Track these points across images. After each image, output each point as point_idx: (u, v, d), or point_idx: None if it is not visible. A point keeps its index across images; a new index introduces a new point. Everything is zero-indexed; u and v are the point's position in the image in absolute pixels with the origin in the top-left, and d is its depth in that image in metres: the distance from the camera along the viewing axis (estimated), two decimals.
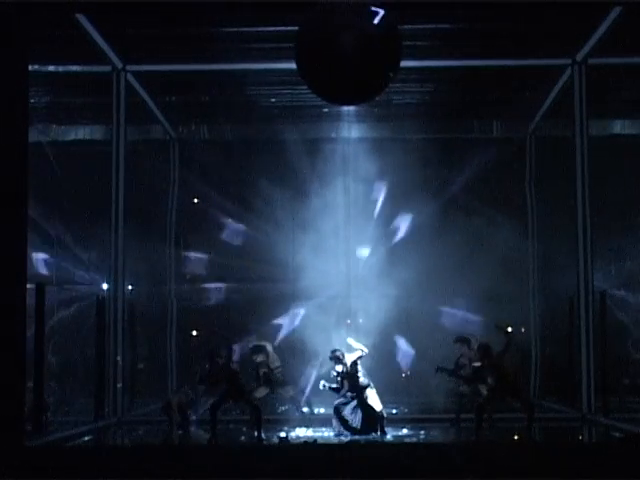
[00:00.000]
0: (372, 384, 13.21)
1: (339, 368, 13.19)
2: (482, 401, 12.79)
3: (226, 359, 12.90)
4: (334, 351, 13.36)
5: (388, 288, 16.94)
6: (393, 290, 16.98)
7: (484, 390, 13.17)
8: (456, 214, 17.38)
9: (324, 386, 13.34)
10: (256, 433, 12.57)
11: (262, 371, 13.97)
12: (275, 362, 14.33)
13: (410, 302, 17.15)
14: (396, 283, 16.88)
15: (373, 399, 13.07)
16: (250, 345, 14.39)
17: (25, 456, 10.03)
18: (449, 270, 17.11)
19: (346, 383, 13.18)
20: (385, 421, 13.11)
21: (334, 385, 13.31)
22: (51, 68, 14.38)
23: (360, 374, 13.13)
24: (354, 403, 13.03)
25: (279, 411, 15.33)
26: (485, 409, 12.66)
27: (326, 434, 13.28)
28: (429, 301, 17.17)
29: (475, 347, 13.67)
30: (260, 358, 14.02)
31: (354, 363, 13.13)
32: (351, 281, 17.09)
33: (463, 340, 14.45)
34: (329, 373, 13.51)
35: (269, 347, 14.52)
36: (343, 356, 13.24)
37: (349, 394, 13.10)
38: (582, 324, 15.29)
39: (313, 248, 17.28)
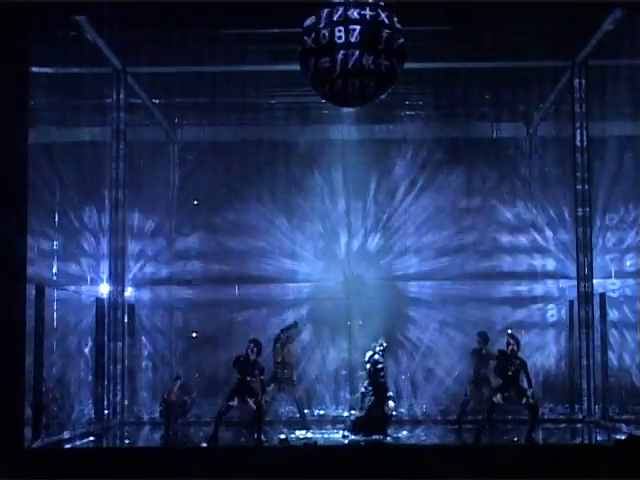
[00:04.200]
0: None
1: (377, 357, 13.23)
2: (494, 401, 12.67)
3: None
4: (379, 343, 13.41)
5: (389, 289, 16.96)
6: (394, 291, 17.01)
7: (487, 391, 13.17)
8: (457, 214, 17.35)
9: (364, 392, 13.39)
10: (255, 435, 12.56)
11: (281, 368, 13.94)
12: (293, 358, 14.28)
13: (412, 303, 17.14)
14: (397, 283, 16.91)
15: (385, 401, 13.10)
16: (282, 329, 14.32)
17: (25, 458, 10.03)
18: (449, 270, 17.09)
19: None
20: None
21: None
22: (51, 70, 14.37)
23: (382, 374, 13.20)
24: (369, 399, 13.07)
25: (279, 412, 15.30)
26: (495, 409, 12.57)
27: (326, 435, 13.28)
28: (431, 303, 17.14)
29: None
30: (282, 357, 14.02)
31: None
32: (351, 282, 17.05)
33: (482, 335, 14.39)
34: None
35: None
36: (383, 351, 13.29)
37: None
38: (582, 325, 15.31)
39: (313, 249, 17.29)
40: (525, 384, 12.48)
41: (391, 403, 13.07)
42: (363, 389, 13.22)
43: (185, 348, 17.04)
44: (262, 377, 12.75)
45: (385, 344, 13.33)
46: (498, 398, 12.46)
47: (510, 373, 12.40)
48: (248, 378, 12.57)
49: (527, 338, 16.85)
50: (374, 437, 12.71)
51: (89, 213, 16.55)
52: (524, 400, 12.36)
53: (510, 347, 12.59)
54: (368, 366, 13.19)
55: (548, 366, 16.95)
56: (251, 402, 12.57)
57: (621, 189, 16.33)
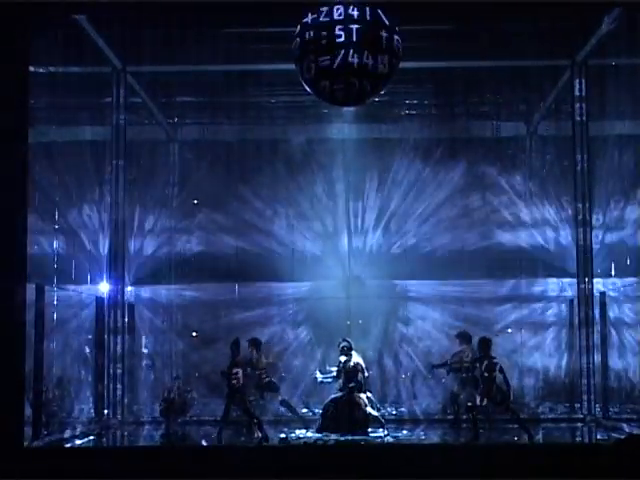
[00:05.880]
0: (365, 387, 13.21)
1: (342, 359, 13.20)
2: (473, 401, 12.79)
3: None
4: (344, 340, 13.37)
5: (388, 289, 16.96)
6: (394, 291, 17.02)
7: (476, 393, 13.20)
8: (457, 213, 17.36)
9: (322, 381, 13.37)
10: (258, 434, 12.60)
11: (262, 376, 13.92)
12: (263, 362, 14.25)
13: (411, 303, 17.15)
14: (396, 283, 16.92)
15: (363, 401, 13.06)
16: (249, 339, 14.30)
17: (25, 457, 10.03)
18: (448, 269, 17.09)
19: (342, 377, 13.16)
20: (375, 423, 13.08)
21: (329, 378, 13.32)
22: (51, 69, 14.39)
23: (358, 376, 13.12)
24: (342, 401, 13.04)
25: (280, 412, 15.30)
26: (476, 409, 12.66)
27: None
28: (431, 302, 17.15)
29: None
30: (257, 358, 13.98)
31: (357, 364, 13.14)
32: (350, 282, 17.07)
33: (464, 336, 14.38)
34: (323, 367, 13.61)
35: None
36: (350, 349, 13.23)
37: (340, 393, 13.12)
38: (582, 325, 15.32)
39: (312, 249, 17.29)
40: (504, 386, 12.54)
41: (364, 396, 13.06)
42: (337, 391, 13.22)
43: (185, 347, 17.03)
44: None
45: (346, 342, 13.35)
46: (476, 399, 12.62)
47: (486, 374, 12.49)
48: (232, 382, 12.64)
49: (527, 337, 16.91)
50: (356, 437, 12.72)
51: (89, 212, 16.55)
52: (500, 401, 12.44)
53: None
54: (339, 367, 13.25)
55: (548, 365, 16.97)
56: (239, 407, 12.66)
57: (621, 188, 16.32)
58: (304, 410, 14.82)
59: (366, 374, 13.26)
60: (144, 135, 17.44)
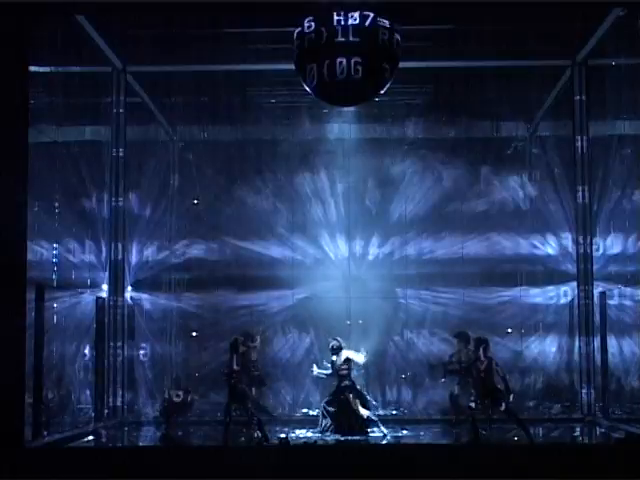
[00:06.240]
0: (358, 385, 13.27)
1: (333, 358, 13.28)
2: (472, 402, 12.82)
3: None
4: (333, 339, 13.42)
5: (388, 289, 16.95)
6: (393, 291, 17.01)
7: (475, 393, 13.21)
8: (456, 214, 17.34)
9: (318, 375, 13.47)
10: (258, 434, 12.61)
11: (254, 370, 13.97)
12: (253, 356, 14.29)
13: (411, 302, 17.14)
14: (396, 283, 16.90)
15: (358, 400, 13.10)
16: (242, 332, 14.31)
17: (25, 457, 10.03)
18: (448, 270, 17.08)
19: (336, 377, 13.24)
20: (370, 422, 13.11)
21: (323, 375, 13.41)
22: (51, 69, 14.39)
23: (351, 375, 13.19)
24: (336, 401, 13.11)
25: (278, 412, 15.31)
26: (475, 409, 12.68)
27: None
28: (430, 302, 17.14)
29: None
30: (247, 351, 14.03)
31: (347, 360, 13.21)
32: (350, 281, 17.07)
33: (462, 336, 14.40)
34: (321, 363, 13.68)
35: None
36: (339, 348, 13.30)
37: (335, 394, 13.19)
38: (582, 325, 15.32)
39: (312, 249, 17.28)
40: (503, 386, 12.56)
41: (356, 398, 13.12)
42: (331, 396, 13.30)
43: (185, 348, 17.02)
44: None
45: (336, 341, 13.41)
46: (476, 400, 12.67)
47: (485, 375, 12.51)
48: (232, 381, 12.66)
49: (528, 338, 16.90)
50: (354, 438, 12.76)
51: (89, 213, 16.52)
52: (499, 402, 12.45)
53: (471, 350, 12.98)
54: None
55: (549, 366, 16.96)
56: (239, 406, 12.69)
57: (621, 188, 16.31)
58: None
59: (354, 371, 13.32)
60: (144, 135, 17.43)
